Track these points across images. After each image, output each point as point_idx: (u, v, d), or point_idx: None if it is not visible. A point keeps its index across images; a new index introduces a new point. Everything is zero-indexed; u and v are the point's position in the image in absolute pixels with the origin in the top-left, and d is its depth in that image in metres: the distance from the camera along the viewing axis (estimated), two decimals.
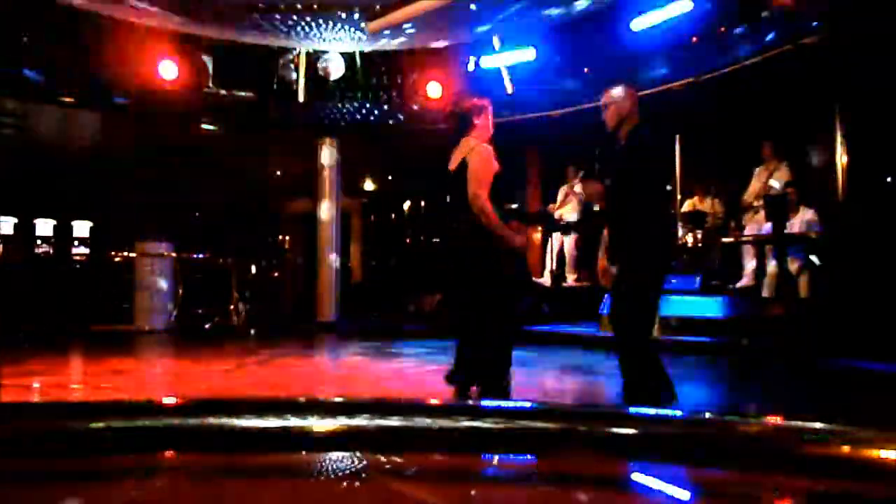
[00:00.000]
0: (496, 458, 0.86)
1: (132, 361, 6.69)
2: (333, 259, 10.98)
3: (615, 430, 0.84)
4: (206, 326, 10.31)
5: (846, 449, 0.74)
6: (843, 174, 7.74)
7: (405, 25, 8.81)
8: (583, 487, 0.75)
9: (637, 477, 0.78)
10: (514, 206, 10.45)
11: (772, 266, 7.77)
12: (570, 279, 9.50)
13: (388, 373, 5.78)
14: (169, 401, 0.99)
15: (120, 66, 9.32)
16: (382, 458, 0.81)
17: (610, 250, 3.73)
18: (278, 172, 13.53)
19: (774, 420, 0.82)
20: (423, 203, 14.64)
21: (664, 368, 3.42)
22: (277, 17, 8.69)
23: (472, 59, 10.46)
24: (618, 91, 3.94)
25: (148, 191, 11.90)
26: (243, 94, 10.42)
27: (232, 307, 10.71)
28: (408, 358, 6.95)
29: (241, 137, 11.16)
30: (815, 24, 7.36)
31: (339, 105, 10.69)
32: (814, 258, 7.51)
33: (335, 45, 9.84)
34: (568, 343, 7.65)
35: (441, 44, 10.07)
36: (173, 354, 7.59)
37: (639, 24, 8.80)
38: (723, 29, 8.39)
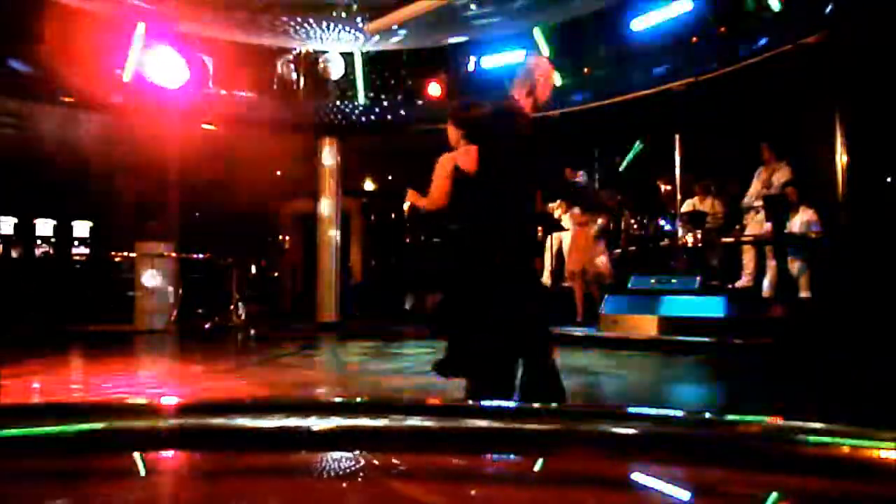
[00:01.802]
0: (496, 458, 0.86)
1: (132, 361, 6.69)
2: (333, 259, 10.97)
3: (615, 430, 0.84)
4: (206, 326, 10.31)
5: (846, 449, 0.74)
6: (843, 174, 7.74)
7: (400, 29, 8.81)
8: (583, 487, 0.75)
9: (637, 477, 0.78)
10: None
11: (771, 266, 7.77)
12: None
13: (388, 373, 5.79)
14: (169, 401, 0.99)
15: (120, 66, 9.32)
16: (382, 458, 0.80)
17: (498, 241, 3.33)
18: (278, 172, 13.53)
19: (774, 420, 0.82)
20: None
21: None
22: (277, 17, 8.70)
23: (472, 59, 10.47)
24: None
25: (148, 191, 11.90)
26: (243, 94, 10.42)
27: (232, 307, 10.71)
28: (408, 358, 6.95)
29: (241, 137, 11.15)
30: (815, 24, 7.37)
31: (339, 105, 10.69)
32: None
33: (335, 45, 9.85)
34: (567, 343, 7.65)
35: (441, 44, 10.08)
36: (173, 354, 7.59)
37: (639, 24, 8.82)
38: (723, 29, 8.39)
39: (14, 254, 10.94)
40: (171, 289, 10.25)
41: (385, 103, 10.75)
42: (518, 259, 3.36)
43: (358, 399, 0.89)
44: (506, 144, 3.32)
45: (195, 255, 10.90)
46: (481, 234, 3.41)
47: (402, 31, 9.13)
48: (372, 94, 10.72)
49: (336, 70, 10.14)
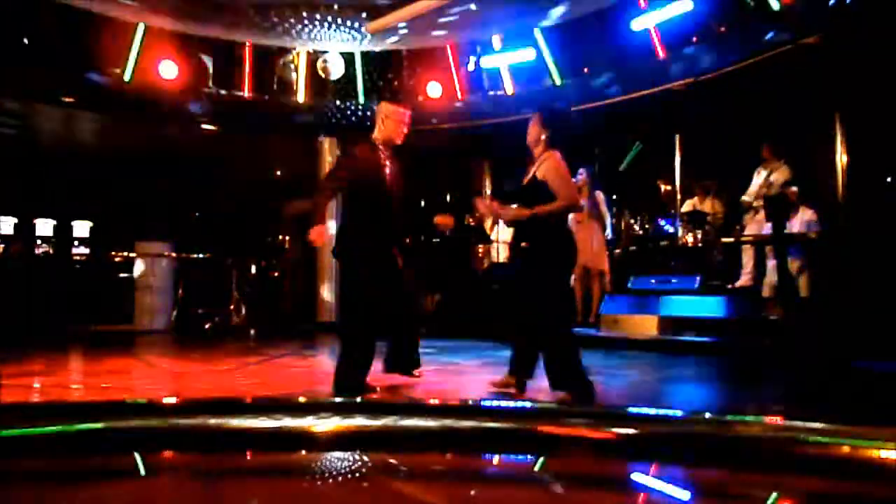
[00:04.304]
0: (496, 458, 0.86)
1: (132, 361, 6.69)
2: (333, 259, 10.96)
3: (615, 430, 0.84)
4: (206, 326, 10.30)
5: (846, 449, 0.74)
6: (843, 174, 7.74)
7: (402, 27, 8.80)
8: (583, 487, 0.75)
9: (637, 477, 0.78)
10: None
11: (771, 266, 7.77)
12: (571, 279, 9.50)
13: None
14: (169, 401, 0.99)
15: (120, 66, 9.33)
16: (382, 458, 0.80)
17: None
18: (278, 172, 13.53)
19: (774, 420, 0.82)
20: (422, 203, 14.65)
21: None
22: (277, 17, 8.69)
23: (472, 59, 10.47)
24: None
25: (148, 191, 11.90)
26: (243, 94, 10.42)
27: (232, 307, 10.71)
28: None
29: (241, 137, 11.15)
30: (815, 24, 7.37)
31: (339, 105, 10.69)
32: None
33: (335, 45, 9.85)
34: None
35: (441, 43, 10.08)
36: (173, 354, 7.58)
37: (639, 24, 8.81)
38: (723, 29, 8.39)
39: (14, 254, 10.94)
40: (171, 289, 10.25)
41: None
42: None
43: (358, 399, 0.89)
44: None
45: (195, 255, 10.89)
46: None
47: (402, 31, 9.13)
48: (372, 95, 10.72)
49: (336, 70, 10.14)
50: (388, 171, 4.34)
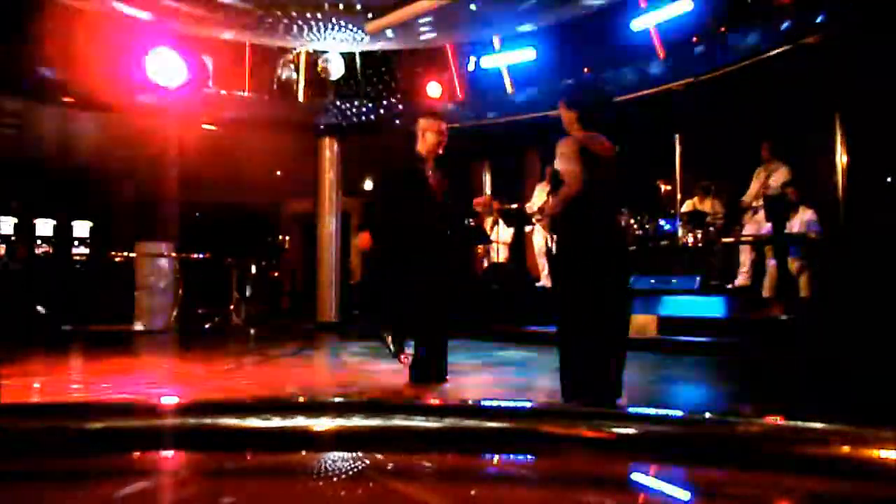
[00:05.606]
0: (496, 458, 0.86)
1: (132, 361, 6.69)
2: (333, 259, 10.97)
3: (615, 430, 0.84)
4: (206, 326, 10.30)
5: (846, 449, 0.74)
6: (843, 174, 7.73)
7: (404, 26, 8.80)
8: (583, 487, 0.75)
9: (637, 477, 0.78)
10: (514, 206, 10.47)
11: (771, 266, 7.77)
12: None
13: (388, 373, 5.78)
14: (169, 401, 0.99)
15: (120, 66, 9.32)
16: (382, 458, 0.81)
17: None
18: (278, 172, 13.53)
19: (774, 420, 0.82)
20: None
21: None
22: (277, 17, 8.69)
23: (473, 59, 10.48)
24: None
25: (148, 191, 11.90)
26: (243, 94, 10.42)
27: (232, 307, 10.71)
28: (408, 358, 6.93)
29: (241, 137, 11.15)
30: (815, 23, 7.37)
31: (339, 105, 10.70)
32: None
33: (335, 45, 9.85)
34: None
35: (441, 43, 10.08)
36: (173, 354, 7.58)
37: (639, 24, 8.82)
38: (723, 29, 8.39)
39: (14, 254, 10.94)
40: (171, 289, 10.24)
41: (385, 103, 10.75)
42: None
43: (358, 399, 0.89)
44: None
45: (195, 255, 10.89)
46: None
47: (401, 31, 9.13)
48: (372, 94, 10.72)
49: (336, 70, 10.14)
50: (432, 182, 4.49)
